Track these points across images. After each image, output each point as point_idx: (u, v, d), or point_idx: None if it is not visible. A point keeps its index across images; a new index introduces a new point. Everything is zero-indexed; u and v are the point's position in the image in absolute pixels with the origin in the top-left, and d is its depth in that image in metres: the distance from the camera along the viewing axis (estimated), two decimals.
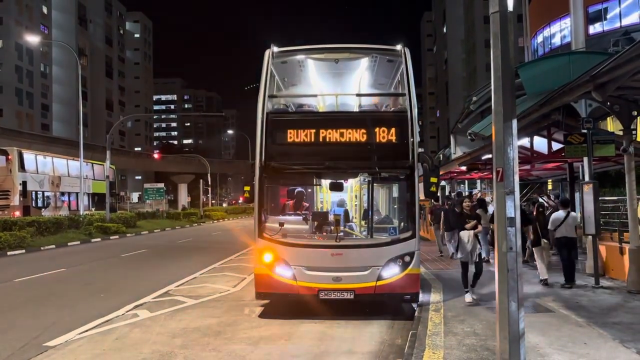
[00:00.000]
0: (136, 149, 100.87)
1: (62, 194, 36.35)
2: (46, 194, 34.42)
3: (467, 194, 23.59)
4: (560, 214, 10.84)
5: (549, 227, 10.94)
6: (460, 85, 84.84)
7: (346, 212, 11.00)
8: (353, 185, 11.68)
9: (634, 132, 10.04)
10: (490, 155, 13.50)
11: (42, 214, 31.17)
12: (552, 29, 36.87)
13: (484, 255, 14.48)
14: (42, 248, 22.51)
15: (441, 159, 36.25)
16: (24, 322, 8.90)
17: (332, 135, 8.62)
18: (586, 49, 17.55)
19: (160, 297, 10.81)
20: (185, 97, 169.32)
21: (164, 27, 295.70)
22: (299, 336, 7.66)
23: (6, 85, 70.44)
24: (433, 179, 8.64)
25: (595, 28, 32.72)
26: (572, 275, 10.55)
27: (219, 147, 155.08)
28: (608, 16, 32.41)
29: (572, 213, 11.06)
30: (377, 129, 8.60)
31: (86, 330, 8.14)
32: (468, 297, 9.12)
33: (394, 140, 8.60)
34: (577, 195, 14.64)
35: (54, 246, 23.32)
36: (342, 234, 8.90)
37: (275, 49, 9.39)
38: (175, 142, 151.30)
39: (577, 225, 10.98)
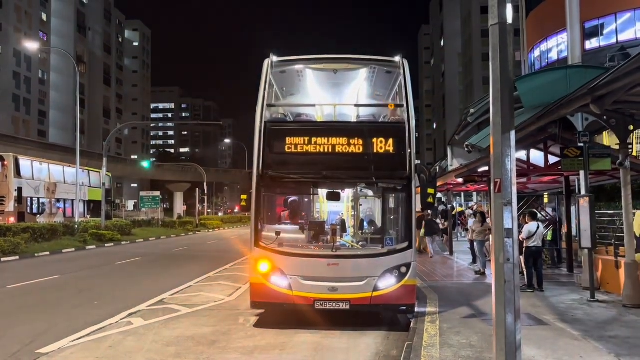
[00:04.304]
0: (133, 156, 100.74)
1: (58, 200, 36.22)
2: (41, 200, 34.29)
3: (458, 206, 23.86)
4: (533, 225, 11.56)
5: (522, 236, 11.51)
6: (457, 98, 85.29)
7: (342, 222, 11.01)
8: (350, 195, 11.68)
9: (630, 146, 10.10)
10: (487, 168, 13.54)
11: (37, 220, 31.02)
12: (549, 43, 37.14)
13: (479, 267, 14.64)
14: (36, 255, 22.35)
15: (437, 170, 36.33)
16: (17, 329, 8.82)
17: (329, 145, 8.63)
18: (583, 64, 17.67)
19: (154, 306, 10.74)
20: (183, 106, 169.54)
21: (162, 36, 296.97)
22: (294, 346, 7.61)
23: (4, 92, 70.31)
24: (430, 190, 8.64)
25: (591, 43, 32.96)
26: (541, 282, 11.54)
27: (216, 156, 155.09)
28: (604, 32, 32.67)
29: (541, 225, 12.09)
30: (374, 140, 8.62)
31: (79, 338, 8.07)
32: None
33: (391, 151, 8.62)
34: (573, 208, 14.67)
35: (48, 253, 23.17)
36: (338, 244, 8.90)
37: (275, 58, 9.42)
38: (172, 151, 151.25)
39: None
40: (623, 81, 6.21)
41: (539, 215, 14.31)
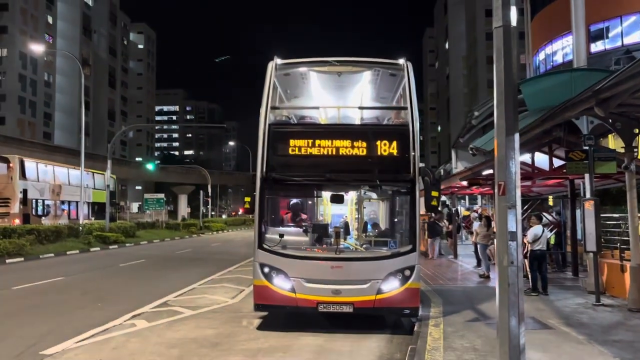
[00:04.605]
0: (137, 159, 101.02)
1: (62, 202, 36.29)
2: (46, 202, 34.37)
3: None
4: (539, 228, 11.57)
5: (529, 239, 11.52)
6: (461, 101, 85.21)
7: (346, 225, 10.99)
8: (354, 198, 11.67)
9: (635, 149, 10.05)
10: (491, 171, 13.50)
11: (41, 222, 31.10)
12: (554, 46, 37.03)
13: (484, 271, 14.60)
14: (41, 256, 22.42)
15: (442, 173, 36.28)
16: (21, 330, 8.84)
17: (333, 147, 8.63)
18: (588, 67, 17.62)
19: (158, 308, 10.75)
20: (187, 109, 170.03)
21: (167, 39, 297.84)
22: (297, 349, 7.60)
23: (9, 94, 70.73)
24: (434, 193, 8.63)
25: (597, 46, 32.86)
26: (546, 285, 11.51)
27: (220, 159, 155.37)
28: (610, 35, 32.56)
29: (545, 228, 12.28)
30: (378, 142, 8.61)
31: (83, 340, 8.09)
32: None
33: (395, 154, 8.61)
34: (578, 212, 14.60)
35: (52, 255, 23.24)
36: (342, 246, 8.88)
37: (279, 61, 9.42)
38: (177, 153, 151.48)
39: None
40: (627, 84, 6.19)
41: (544, 219, 14.27)
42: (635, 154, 10.16)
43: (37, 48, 52.36)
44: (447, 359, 6.56)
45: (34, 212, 32.61)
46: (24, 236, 23.06)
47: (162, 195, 48.25)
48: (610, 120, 9.51)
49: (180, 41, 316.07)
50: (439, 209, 19.30)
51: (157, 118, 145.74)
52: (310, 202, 11.33)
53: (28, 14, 74.71)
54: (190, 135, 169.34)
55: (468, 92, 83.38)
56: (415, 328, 8.42)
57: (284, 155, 8.77)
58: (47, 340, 8.06)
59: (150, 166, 61.36)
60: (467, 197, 37.02)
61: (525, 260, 11.66)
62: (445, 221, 22.75)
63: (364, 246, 9.76)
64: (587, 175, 11.18)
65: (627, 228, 10.42)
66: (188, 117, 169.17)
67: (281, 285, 8.45)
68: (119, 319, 9.52)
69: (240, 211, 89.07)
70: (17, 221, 29.86)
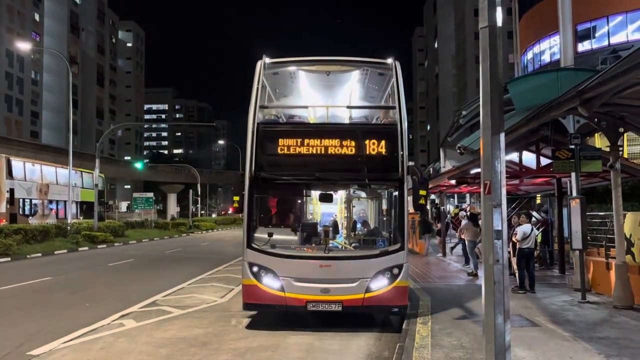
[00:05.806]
0: (126, 157, 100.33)
1: (50, 202, 36.06)
2: (34, 201, 34.13)
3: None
4: (528, 227, 11.65)
5: (518, 238, 11.58)
6: (450, 100, 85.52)
7: (335, 224, 11.03)
8: (343, 197, 11.70)
9: (620, 148, 10.16)
10: (478, 170, 13.58)
11: (29, 221, 30.85)
12: (541, 45, 37.32)
13: (472, 269, 14.70)
14: (28, 256, 22.24)
15: (431, 172, 36.42)
16: (7, 330, 8.78)
17: (322, 146, 8.65)
18: (575, 66, 17.75)
19: (147, 307, 10.72)
20: (177, 107, 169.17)
21: (156, 37, 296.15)
22: (286, 348, 7.62)
23: None
24: (422, 192, 8.67)
25: (583, 46, 33.18)
26: (533, 283, 11.60)
27: (210, 158, 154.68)
28: (597, 34, 32.89)
29: (533, 226, 12.30)
30: (367, 142, 8.65)
31: (71, 340, 8.04)
32: None
33: (383, 153, 8.65)
34: (565, 210, 14.75)
35: (40, 254, 23.06)
36: (331, 245, 8.91)
37: (267, 60, 9.43)
38: (166, 152, 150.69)
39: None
40: (610, 84, 6.26)
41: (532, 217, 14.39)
42: (621, 152, 10.28)
43: (24, 46, 51.94)
44: (435, 357, 6.61)
45: (21, 212, 32.37)
46: (11, 236, 22.85)
47: (151, 195, 48.09)
48: (596, 120, 9.62)
49: (170, 39, 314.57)
50: (428, 207, 19.47)
51: (146, 117, 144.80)
52: (299, 201, 11.34)
53: (15, 11, 73.82)
54: (179, 134, 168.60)
55: (457, 91, 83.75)
56: (404, 326, 8.47)
57: (272, 155, 8.78)
58: (34, 340, 8.01)
59: (139, 165, 60.99)
60: (455, 195, 37.21)
61: (513, 258, 11.76)
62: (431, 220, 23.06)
63: (353, 245, 9.79)
64: (573, 174, 11.29)
65: (613, 226, 10.53)
66: (177, 115, 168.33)
67: (270, 284, 8.46)
68: (107, 319, 9.48)
69: (230, 210, 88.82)
70: (3, 221, 29.61)
